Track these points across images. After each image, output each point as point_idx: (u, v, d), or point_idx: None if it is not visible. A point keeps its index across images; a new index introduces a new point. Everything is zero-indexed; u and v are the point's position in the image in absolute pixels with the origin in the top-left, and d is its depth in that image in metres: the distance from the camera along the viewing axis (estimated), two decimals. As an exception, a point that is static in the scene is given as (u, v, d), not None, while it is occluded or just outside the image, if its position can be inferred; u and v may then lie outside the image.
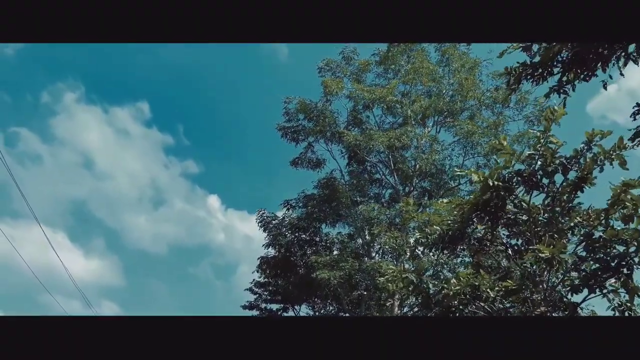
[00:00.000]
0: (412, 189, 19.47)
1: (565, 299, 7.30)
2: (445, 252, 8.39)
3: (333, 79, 19.83)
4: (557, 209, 7.55)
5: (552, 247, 6.30)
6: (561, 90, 5.86)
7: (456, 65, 19.69)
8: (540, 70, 5.43)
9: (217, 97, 47.84)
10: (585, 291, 7.12)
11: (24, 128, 47.06)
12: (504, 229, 8.24)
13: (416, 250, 10.74)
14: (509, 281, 7.01)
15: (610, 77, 5.95)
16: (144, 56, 45.24)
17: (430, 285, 7.77)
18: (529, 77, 5.53)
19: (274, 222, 20.35)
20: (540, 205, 7.71)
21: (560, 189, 7.33)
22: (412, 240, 9.01)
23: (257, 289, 21.95)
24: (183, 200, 50.84)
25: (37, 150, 44.93)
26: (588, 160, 6.89)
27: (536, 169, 7.23)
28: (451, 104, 19.40)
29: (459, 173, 8.05)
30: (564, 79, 5.68)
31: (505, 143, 7.15)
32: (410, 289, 7.86)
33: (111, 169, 48.78)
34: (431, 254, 13.51)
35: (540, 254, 6.20)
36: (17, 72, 43.19)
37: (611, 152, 6.64)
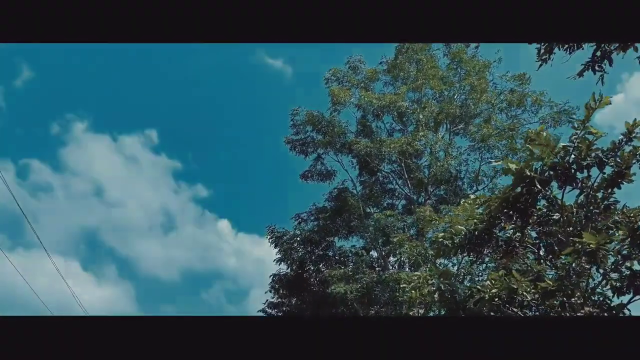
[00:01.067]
0: (427, 197, 18.84)
1: (608, 301, 6.68)
2: (472, 255, 7.78)
3: (341, 88, 19.46)
4: (591, 207, 6.97)
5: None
6: (596, 67, 5.33)
7: (467, 69, 19.25)
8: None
9: (223, 118, 47.94)
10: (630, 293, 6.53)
11: (34, 159, 47.19)
12: (533, 229, 7.68)
13: (438, 259, 10.17)
14: (548, 281, 6.38)
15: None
16: (150, 83, 45.58)
17: (459, 291, 7.15)
18: (561, 44, 4.99)
19: (285, 237, 19.77)
20: (572, 204, 7.14)
21: (594, 186, 6.76)
22: (429, 248, 8.42)
23: (270, 310, 21.24)
24: (193, 225, 50.44)
25: (48, 180, 45.11)
26: (626, 153, 6.33)
27: (570, 162, 6.67)
28: (463, 108, 18.91)
29: (494, 164, 7.50)
30: (598, 52, 5.16)
31: (544, 134, 6.46)
32: (435, 296, 7.26)
33: (121, 196, 48.64)
34: (450, 264, 12.90)
35: (586, 242, 5.58)
36: (27, 104, 43.74)
37: None
